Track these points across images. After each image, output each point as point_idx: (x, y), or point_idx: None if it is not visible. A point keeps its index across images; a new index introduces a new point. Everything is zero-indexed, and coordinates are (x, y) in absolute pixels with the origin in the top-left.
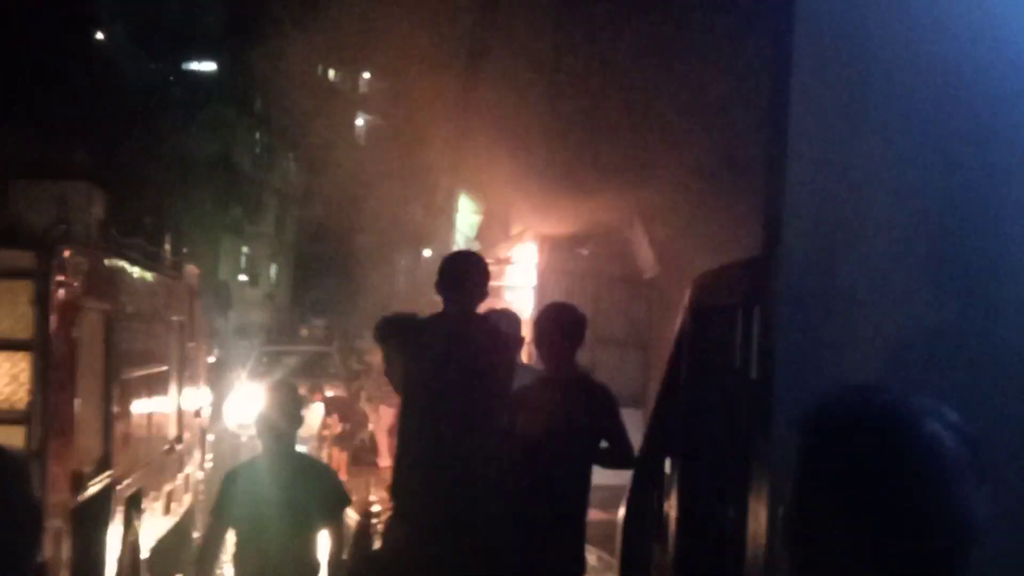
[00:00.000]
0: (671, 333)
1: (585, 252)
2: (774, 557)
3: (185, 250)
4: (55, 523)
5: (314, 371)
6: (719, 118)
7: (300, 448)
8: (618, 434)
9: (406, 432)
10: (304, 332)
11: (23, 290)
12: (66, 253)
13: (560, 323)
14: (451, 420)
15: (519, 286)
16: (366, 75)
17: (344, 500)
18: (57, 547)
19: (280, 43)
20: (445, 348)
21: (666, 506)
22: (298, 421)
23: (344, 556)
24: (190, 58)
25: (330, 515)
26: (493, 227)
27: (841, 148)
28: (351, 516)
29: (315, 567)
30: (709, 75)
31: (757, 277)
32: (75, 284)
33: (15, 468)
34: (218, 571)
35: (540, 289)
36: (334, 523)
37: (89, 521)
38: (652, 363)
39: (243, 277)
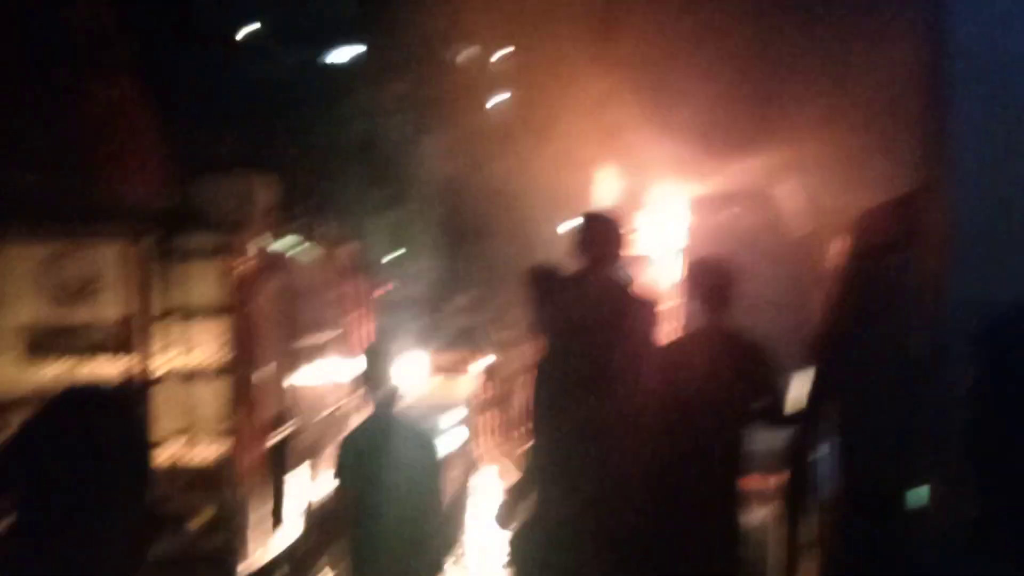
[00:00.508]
0: (826, 290)
1: (735, 211)
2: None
3: (341, 230)
4: (247, 466)
5: (464, 341)
6: (873, 59)
7: (458, 412)
8: (774, 392)
9: (544, 387)
10: (453, 304)
11: (217, 267)
12: (248, 235)
13: (714, 276)
14: (589, 378)
15: (663, 250)
16: (503, 51)
17: (439, 464)
18: (248, 487)
19: (416, 26)
20: (583, 306)
21: (829, 466)
22: (396, 384)
23: (446, 519)
24: (330, 47)
25: (428, 480)
26: (636, 191)
27: (1009, 69)
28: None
29: (432, 527)
30: (860, 18)
31: (923, 210)
32: (257, 261)
33: (123, 407)
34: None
35: (687, 251)
36: (433, 487)
37: (273, 466)
38: (806, 325)
39: (393, 254)
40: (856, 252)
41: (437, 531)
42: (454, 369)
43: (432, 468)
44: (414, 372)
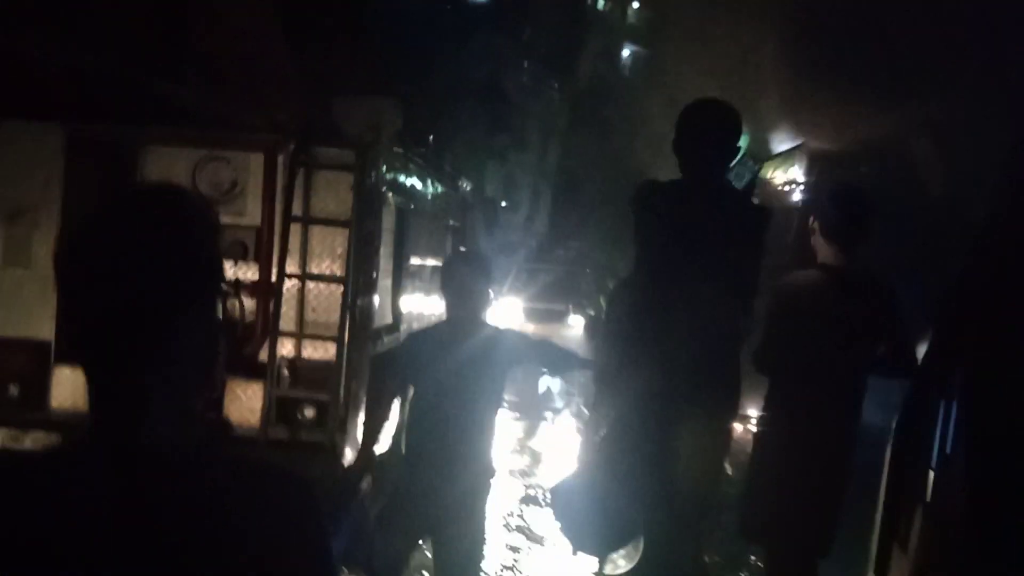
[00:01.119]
0: (961, 256)
1: (864, 169)
2: None
3: (459, 167)
4: (358, 368)
5: (567, 288)
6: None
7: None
8: (900, 334)
9: (628, 306)
10: (560, 252)
11: (344, 180)
12: (375, 153)
13: (849, 206)
14: (690, 298)
15: (786, 208)
16: (635, 4)
17: (540, 341)
18: (358, 387)
19: None
20: (681, 216)
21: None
22: (487, 292)
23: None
24: None
25: (532, 352)
26: (759, 148)
27: None
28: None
29: (489, 441)
30: None
31: None
32: (381, 179)
33: (197, 212)
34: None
35: (810, 207)
36: (538, 351)
37: (380, 370)
38: (935, 293)
39: (505, 200)
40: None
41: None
42: (550, 319)
43: (531, 343)
44: (507, 317)
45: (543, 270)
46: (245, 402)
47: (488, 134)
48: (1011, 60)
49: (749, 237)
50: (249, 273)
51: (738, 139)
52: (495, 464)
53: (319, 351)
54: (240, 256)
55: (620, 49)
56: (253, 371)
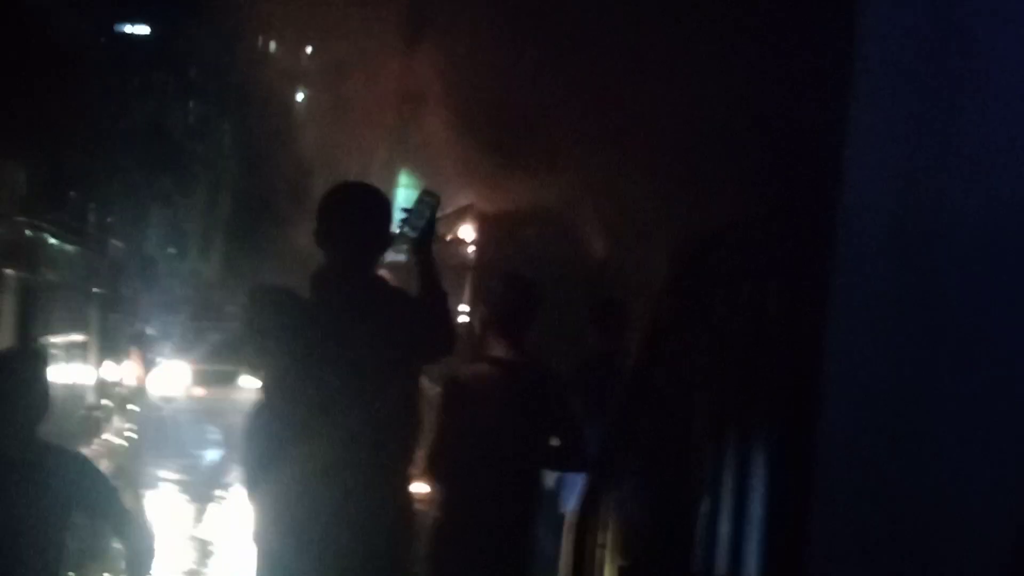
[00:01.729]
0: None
1: (529, 232)
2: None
3: (111, 220)
4: None
5: (238, 347)
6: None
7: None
8: (572, 429)
9: (272, 424)
10: (231, 308)
11: None
12: None
13: (517, 297)
14: (341, 408)
15: (455, 268)
16: (308, 49)
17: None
18: None
19: (221, 9)
20: (336, 311)
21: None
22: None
23: None
24: (123, 20)
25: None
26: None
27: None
28: None
29: None
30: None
31: (794, 237)
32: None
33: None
34: None
35: (478, 271)
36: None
37: None
38: (600, 364)
39: (171, 250)
40: (683, 288)
41: None
42: (220, 381)
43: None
44: (172, 381)
45: (212, 328)
46: None
47: (150, 178)
48: (672, 133)
49: (416, 333)
50: None
51: (389, 225)
52: None
53: None
54: None
55: (294, 92)
56: None
